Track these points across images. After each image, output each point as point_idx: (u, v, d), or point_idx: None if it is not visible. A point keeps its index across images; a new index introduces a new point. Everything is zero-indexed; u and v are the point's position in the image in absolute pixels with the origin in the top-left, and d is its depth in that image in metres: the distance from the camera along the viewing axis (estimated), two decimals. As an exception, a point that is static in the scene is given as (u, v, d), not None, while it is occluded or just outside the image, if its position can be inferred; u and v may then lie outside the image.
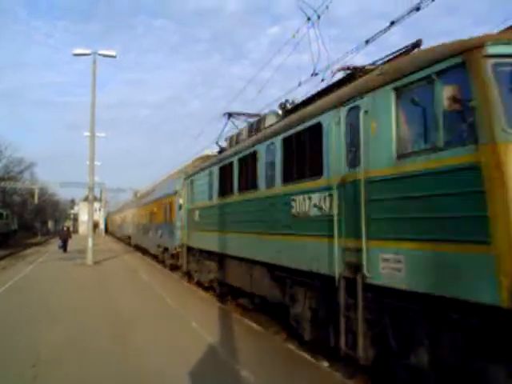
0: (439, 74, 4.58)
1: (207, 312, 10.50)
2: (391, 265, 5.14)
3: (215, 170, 12.36)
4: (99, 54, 22.11)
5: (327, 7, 8.99)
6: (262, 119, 10.44)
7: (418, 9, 7.05)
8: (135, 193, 43.93)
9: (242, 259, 10.17)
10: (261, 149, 9.09)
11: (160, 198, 24.09)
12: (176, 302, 11.65)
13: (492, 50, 4.21)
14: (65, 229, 33.60)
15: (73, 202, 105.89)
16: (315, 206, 6.80)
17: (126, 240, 43.03)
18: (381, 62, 6.36)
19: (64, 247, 30.54)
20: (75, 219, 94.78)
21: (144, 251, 30.04)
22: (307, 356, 7.27)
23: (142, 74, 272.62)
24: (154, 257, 25.42)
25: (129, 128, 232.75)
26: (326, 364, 7.10)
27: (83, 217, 73.18)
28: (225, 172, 11.48)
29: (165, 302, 11.73)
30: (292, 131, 7.72)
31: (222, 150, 13.36)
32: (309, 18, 9.62)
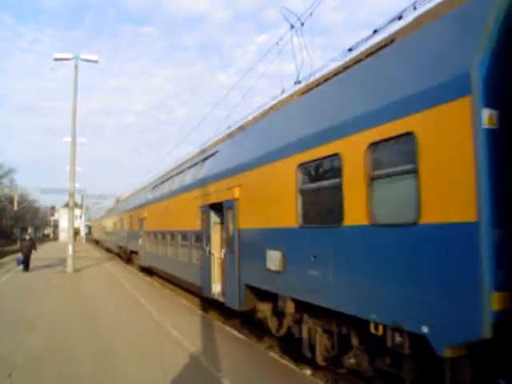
0: None
1: (184, 317, 10.37)
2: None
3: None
4: (81, 59, 21.83)
5: (311, 14, 8.99)
6: None
7: (400, 18, 7.09)
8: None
9: None
10: None
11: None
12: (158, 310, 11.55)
13: None
14: (27, 238, 22.86)
15: (53, 209, 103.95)
16: None
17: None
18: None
19: (25, 263, 21.55)
20: (56, 226, 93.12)
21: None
22: (290, 364, 7.20)
23: (127, 81, 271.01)
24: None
25: (113, 135, 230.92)
26: (308, 372, 7.05)
27: (63, 224, 71.92)
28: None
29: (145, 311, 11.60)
30: None
31: None
32: (292, 26, 9.61)
